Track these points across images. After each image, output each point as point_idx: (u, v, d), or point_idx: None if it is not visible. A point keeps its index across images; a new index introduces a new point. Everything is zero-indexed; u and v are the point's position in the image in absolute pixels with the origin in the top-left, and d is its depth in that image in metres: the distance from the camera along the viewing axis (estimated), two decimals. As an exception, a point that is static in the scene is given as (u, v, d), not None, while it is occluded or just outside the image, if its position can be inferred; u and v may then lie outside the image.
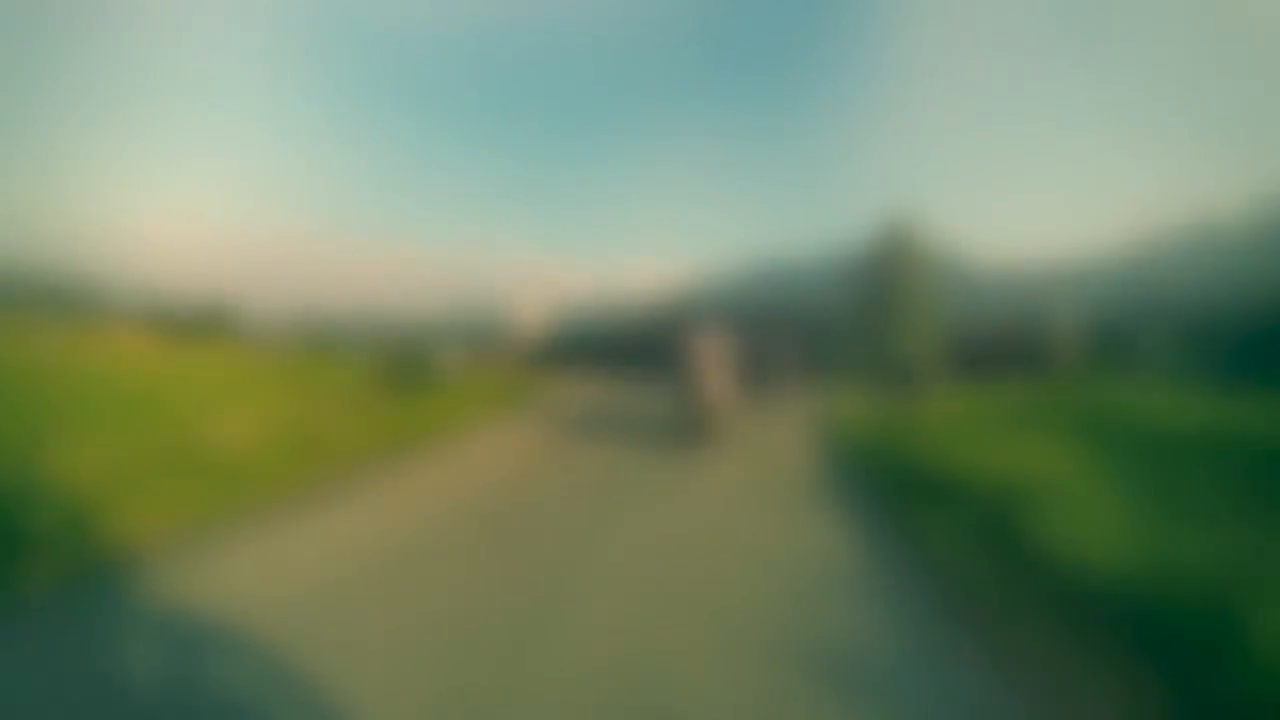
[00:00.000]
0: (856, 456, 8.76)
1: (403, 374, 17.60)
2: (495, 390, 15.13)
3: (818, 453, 9.27)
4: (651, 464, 7.90)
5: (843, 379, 40.70)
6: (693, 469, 7.64)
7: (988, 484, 6.15)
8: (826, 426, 11.80)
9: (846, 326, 39.27)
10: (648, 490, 6.49)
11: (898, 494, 6.54)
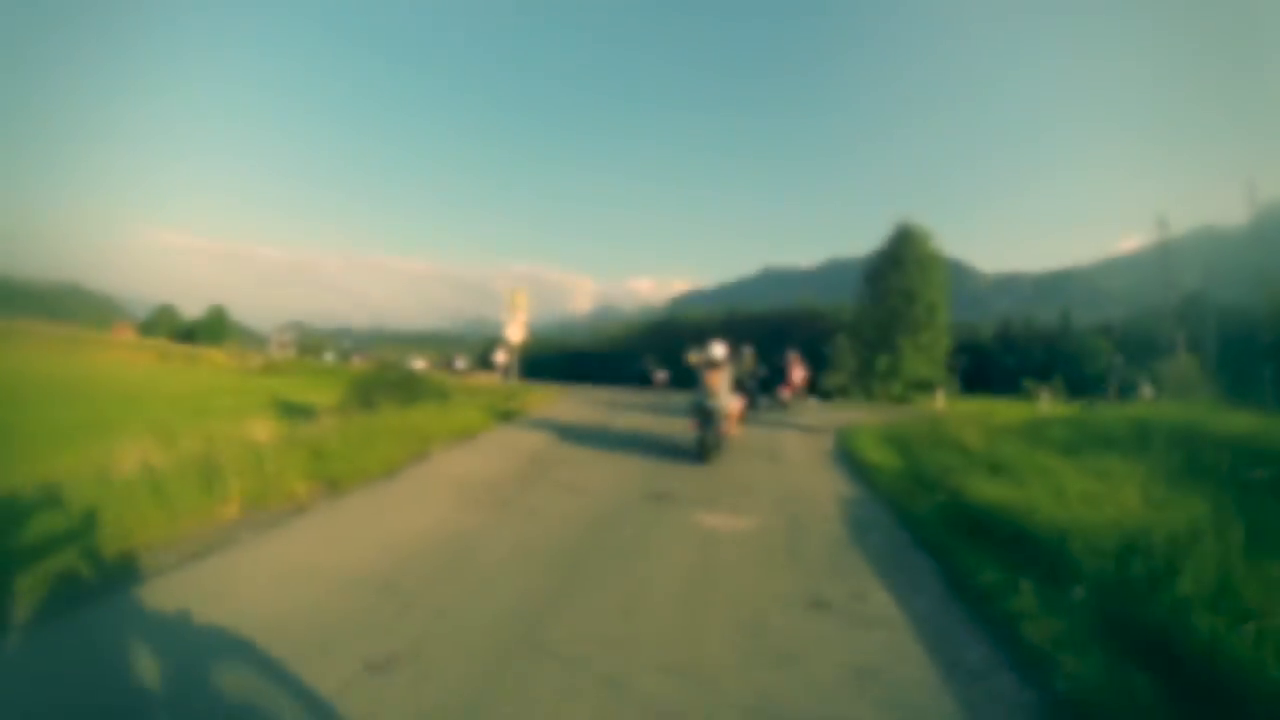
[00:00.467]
0: (890, 485, 7.24)
1: (374, 389, 16.20)
2: (478, 404, 13.65)
3: (844, 479, 7.79)
4: (635, 500, 6.35)
5: (855, 387, 39.27)
6: (691, 507, 6.11)
7: (1088, 533, 4.65)
8: (849, 445, 10.28)
9: (856, 331, 37.96)
10: (619, 552, 4.93)
11: (957, 545, 5.03)
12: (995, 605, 3.93)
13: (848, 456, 9.39)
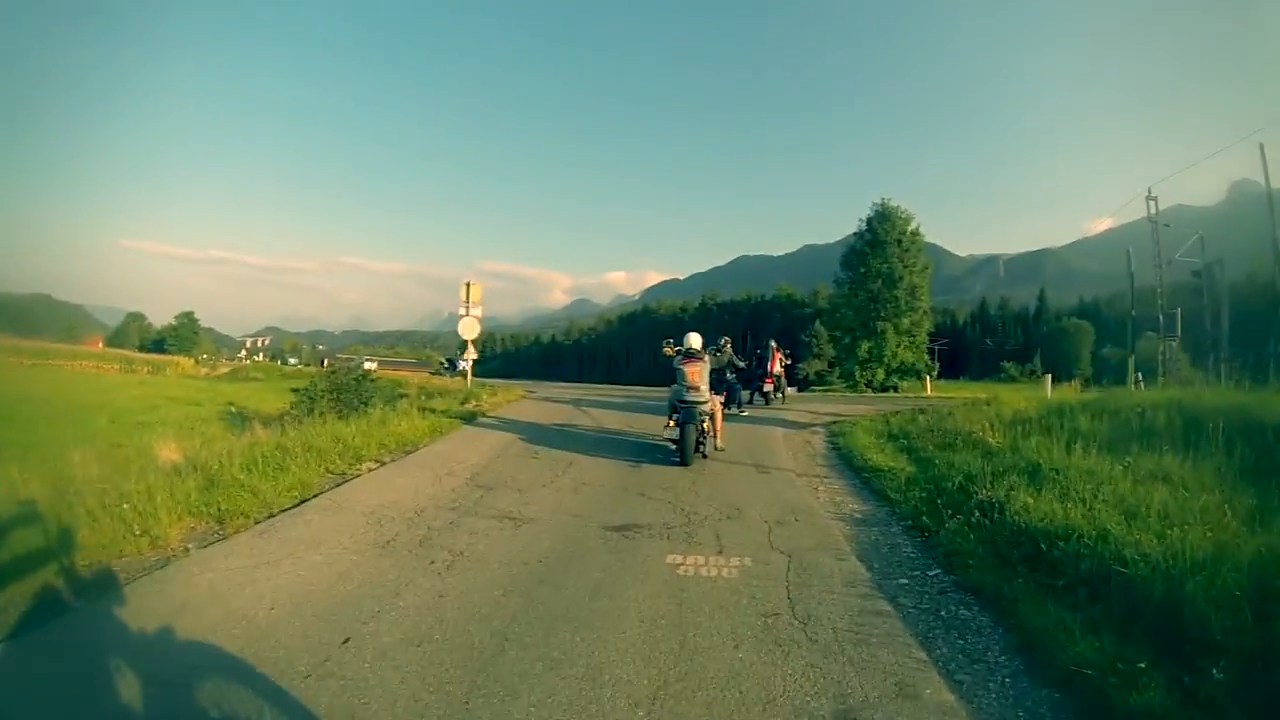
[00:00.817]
0: (906, 498, 5.98)
1: (320, 396, 14.78)
2: (434, 408, 12.30)
3: (847, 491, 6.54)
4: (591, 535, 5.02)
5: (834, 375, 38.17)
6: (663, 542, 4.81)
7: (1196, 570, 3.42)
8: (845, 444, 9.05)
9: (836, 317, 36.90)
10: (561, 624, 3.54)
11: (1018, 591, 3.76)
12: (1106, 698, 2.67)
13: (846, 459, 8.17)
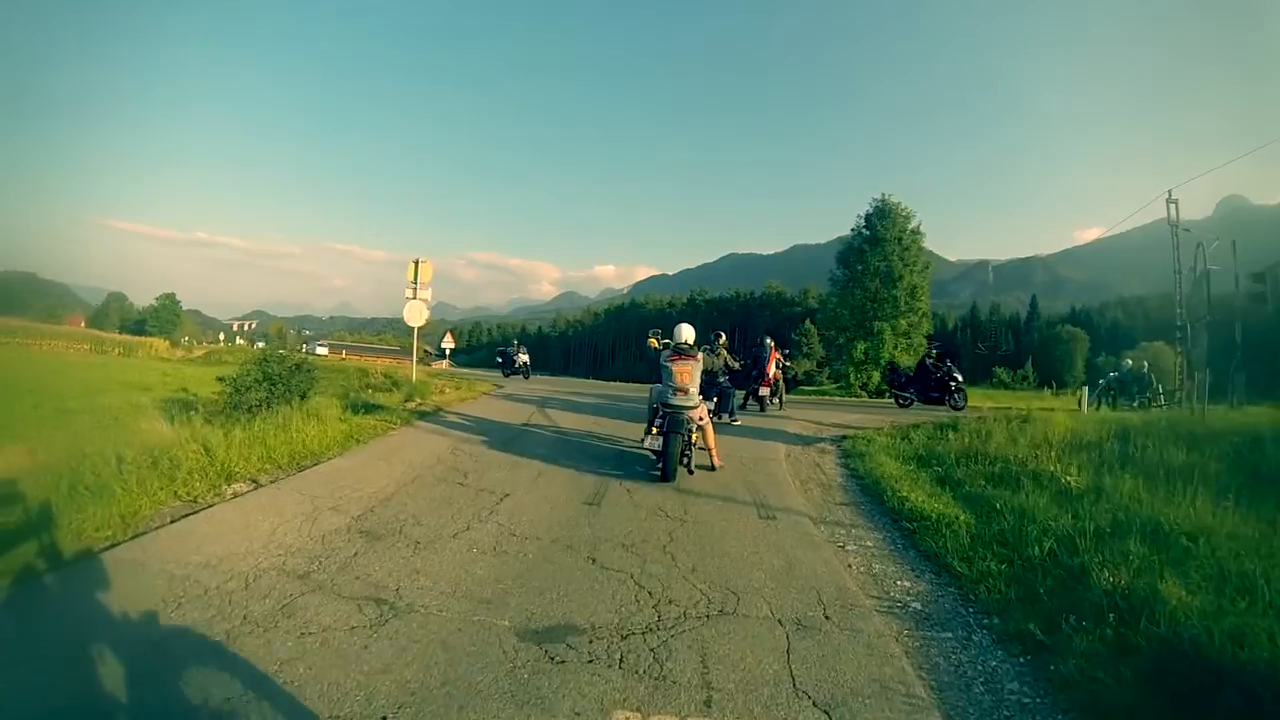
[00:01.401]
0: (977, 572, 4.15)
1: (250, 388, 12.71)
2: (375, 403, 10.51)
3: (888, 554, 4.69)
4: (494, 648, 3.16)
5: (825, 375, 36.39)
6: (610, 673, 2.97)
7: None
8: (865, 470, 7.23)
9: (832, 317, 35.12)
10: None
11: None
12: None
13: (872, 494, 6.31)
